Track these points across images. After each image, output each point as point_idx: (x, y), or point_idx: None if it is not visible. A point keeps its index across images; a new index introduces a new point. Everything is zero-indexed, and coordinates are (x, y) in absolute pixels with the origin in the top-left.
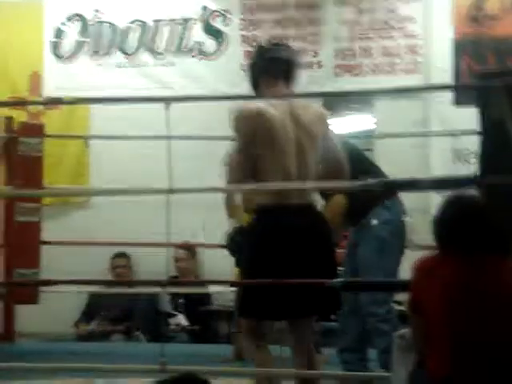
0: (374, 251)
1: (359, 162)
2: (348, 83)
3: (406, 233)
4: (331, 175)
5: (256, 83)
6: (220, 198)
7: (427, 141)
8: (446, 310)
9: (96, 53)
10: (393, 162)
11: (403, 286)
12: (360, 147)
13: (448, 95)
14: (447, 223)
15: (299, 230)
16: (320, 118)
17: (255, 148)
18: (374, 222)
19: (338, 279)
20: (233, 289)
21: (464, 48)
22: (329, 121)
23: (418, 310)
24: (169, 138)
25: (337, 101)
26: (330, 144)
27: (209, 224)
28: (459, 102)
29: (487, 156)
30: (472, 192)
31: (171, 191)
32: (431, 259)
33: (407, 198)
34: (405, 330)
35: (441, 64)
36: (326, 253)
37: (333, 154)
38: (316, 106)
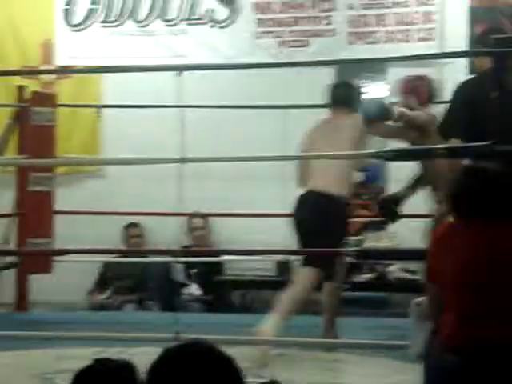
0: None
1: None
2: (361, 51)
3: None
4: None
5: None
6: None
7: (442, 109)
8: (462, 276)
9: (107, 21)
10: None
11: (419, 255)
12: None
13: (463, 62)
14: (464, 191)
15: None
16: None
17: None
18: None
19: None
20: (245, 258)
21: (479, 15)
22: None
23: (434, 279)
24: (181, 106)
25: (350, 69)
26: None
27: (221, 193)
28: (474, 69)
29: (502, 122)
30: (488, 160)
31: (183, 160)
32: (448, 228)
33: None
34: (421, 298)
35: (456, 31)
36: None
37: None
38: None
